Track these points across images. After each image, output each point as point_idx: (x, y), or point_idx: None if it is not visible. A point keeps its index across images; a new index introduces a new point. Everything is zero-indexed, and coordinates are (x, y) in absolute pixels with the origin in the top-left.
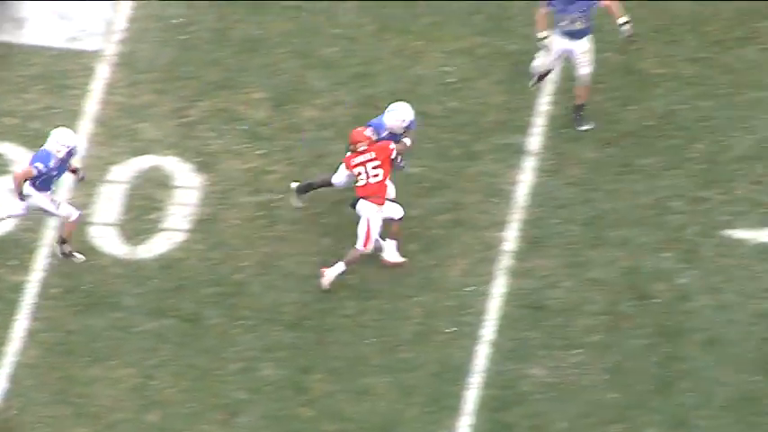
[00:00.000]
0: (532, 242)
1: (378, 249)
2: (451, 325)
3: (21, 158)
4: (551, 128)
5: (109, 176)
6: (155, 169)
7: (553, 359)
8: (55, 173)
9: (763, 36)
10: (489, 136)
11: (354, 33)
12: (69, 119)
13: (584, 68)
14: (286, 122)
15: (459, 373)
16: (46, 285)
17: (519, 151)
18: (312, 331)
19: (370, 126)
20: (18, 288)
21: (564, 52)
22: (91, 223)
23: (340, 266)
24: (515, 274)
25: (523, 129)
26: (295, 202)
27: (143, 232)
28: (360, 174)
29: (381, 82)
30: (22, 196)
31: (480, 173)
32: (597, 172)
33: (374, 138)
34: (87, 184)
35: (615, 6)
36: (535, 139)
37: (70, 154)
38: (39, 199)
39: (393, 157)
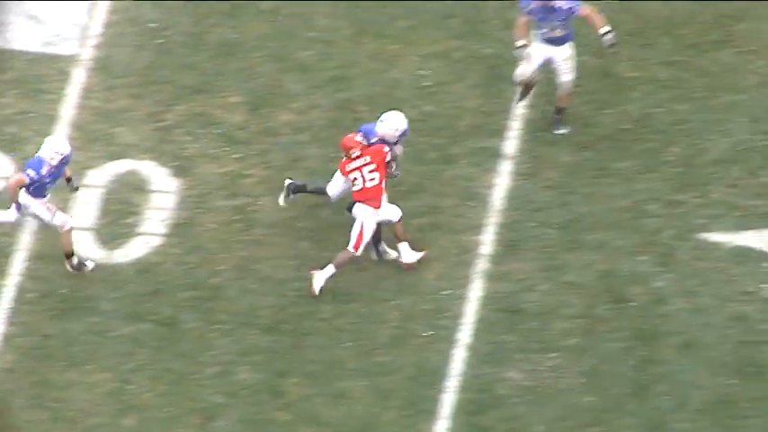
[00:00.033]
0: (509, 245)
1: (381, 255)
2: (428, 328)
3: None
4: (527, 131)
5: (85, 181)
6: (131, 173)
7: (530, 362)
8: (48, 180)
9: (738, 39)
10: (465, 140)
11: (330, 37)
12: (45, 123)
13: (566, 75)
14: (262, 126)
15: (436, 376)
16: (22, 290)
17: (495, 155)
18: (288, 335)
19: (360, 132)
20: None
21: (546, 59)
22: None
23: (330, 269)
24: (492, 277)
25: (499, 132)
26: (281, 200)
27: (120, 236)
28: (356, 178)
29: (357, 86)
30: (19, 205)
31: (456, 176)
32: (573, 175)
33: (365, 143)
34: (64, 188)
35: (596, 16)
36: (511, 143)
37: (64, 161)
38: (35, 206)
39: (388, 160)
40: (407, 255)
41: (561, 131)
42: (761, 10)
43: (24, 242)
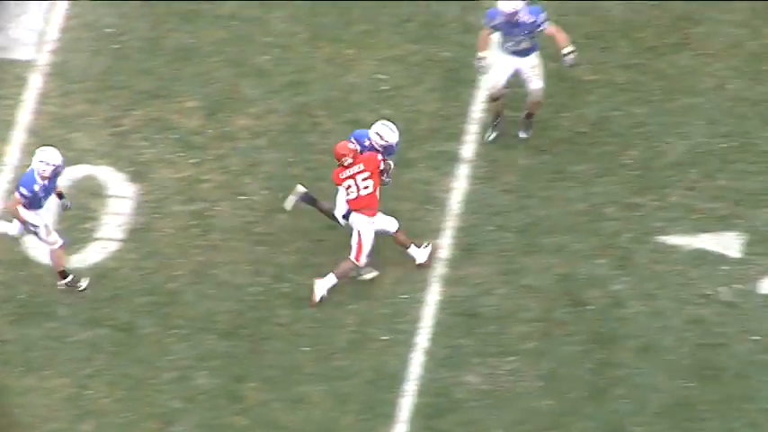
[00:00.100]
0: (466, 249)
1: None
2: (386, 333)
3: None
4: (485, 135)
5: None
6: (88, 179)
7: (487, 366)
8: (42, 195)
9: (695, 42)
10: (423, 143)
11: (287, 42)
12: (2, 129)
13: (536, 83)
14: (219, 131)
15: (394, 380)
16: None
17: (453, 159)
18: (246, 340)
19: (351, 138)
20: None
21: (514, 71)
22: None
23: (331, 279)
24: (449, 281)
25: (457, 136)
26: (288, 203)
27: (77, 242)
28: (350, 187)
29: (315, 90)
30: (27, 225)
31: (414, 180)
32: (531, 179)
33: (357, 149)
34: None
35: (561, 35)
36: (469, 147)
37: (56, 173)
38: (33, 219)
39: (381, 169)
40: (420, 256)
41: (524, 135)
42: (718, 13)
43: None
